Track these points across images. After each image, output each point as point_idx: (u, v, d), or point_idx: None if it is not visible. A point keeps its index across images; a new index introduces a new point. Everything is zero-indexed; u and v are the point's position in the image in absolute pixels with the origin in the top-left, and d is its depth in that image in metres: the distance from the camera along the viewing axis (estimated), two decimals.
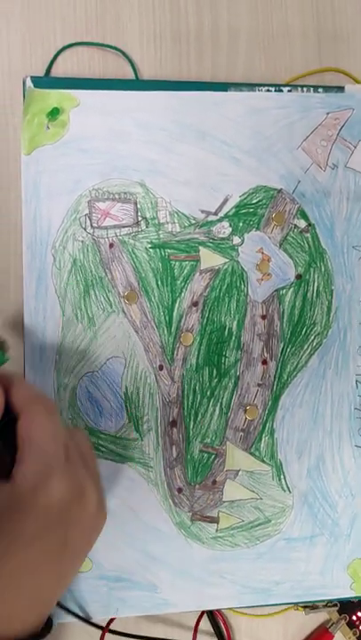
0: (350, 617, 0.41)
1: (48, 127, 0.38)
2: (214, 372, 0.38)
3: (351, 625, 0.41)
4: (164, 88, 0.38)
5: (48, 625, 0.28)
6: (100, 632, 0.37)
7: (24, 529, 0.26)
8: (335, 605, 0.41)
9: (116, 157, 0.38)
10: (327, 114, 0.39)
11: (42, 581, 0.27)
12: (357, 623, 0.41)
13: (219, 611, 0.40)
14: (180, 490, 0.38)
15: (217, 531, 0.38)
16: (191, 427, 0.38)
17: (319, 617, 0.42)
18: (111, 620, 0.38)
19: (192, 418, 0.38)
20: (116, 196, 0.38)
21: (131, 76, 0.41)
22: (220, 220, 0.38)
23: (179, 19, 0.42)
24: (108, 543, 0.37)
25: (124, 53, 0.41)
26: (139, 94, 0.38)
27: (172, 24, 0.42)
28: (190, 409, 0.38)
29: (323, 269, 0.39)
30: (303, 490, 0.38)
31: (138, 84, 0.39)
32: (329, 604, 0.41)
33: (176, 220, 0.38)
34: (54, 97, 0.37)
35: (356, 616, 0.41)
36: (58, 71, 0.41)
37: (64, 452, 0.29)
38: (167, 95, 0.38)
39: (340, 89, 0.39)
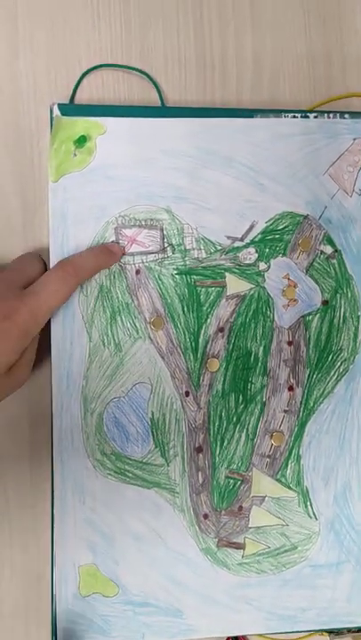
0: None
1: (75, 154, 0.38)
2: (240, 398, 0.38)
3: None
4: (189, 115, 0.38)
5: None
6: None
7: None
8: (360, 631, 0.41)
9: (142, 184, 0.38)
10: (354, 140, 0.39)
11: None
12: None
13: (244, 636, 0.40)
14: (206, 516, 0.38)
15: (243, 557, 0.38)
16: (217, 453, 0.38)
17: None
18: None
19: (218, 444, 0.38)
20: (143, 223, 0.38)
21: (156, 99, 0.41)
22: (246, 246, 0.38)
23: (203, 43, 0.42)
24: (134, 568, 0.37)
25: (149, 77, 0.41)
26: (164, 121, 0.38)
27: (196, 48, 0.42)
28: (216, 435, 0.38)
29: (349, 295, 0.39)
30: (330, 517, 0.38)
31: (164, 110, 0.40)
32: (354, 630, 0.41)
33: (202, 247, 0.38)
34: (81, 124, 0.38)
35: None
36: (83, 94, 0.41)
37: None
38: (193, 122, 0.38)
39: None
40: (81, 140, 0.38)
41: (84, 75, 0.41)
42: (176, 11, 0.42)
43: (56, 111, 0.38)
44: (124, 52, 0.42)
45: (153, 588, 0.37)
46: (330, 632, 0.40)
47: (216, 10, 0.42)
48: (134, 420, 0.37)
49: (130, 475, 0.37)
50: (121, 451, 0.37)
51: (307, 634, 0.40)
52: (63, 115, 0.37)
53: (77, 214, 0.38)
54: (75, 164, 0.38)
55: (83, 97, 0.41)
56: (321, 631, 0.39)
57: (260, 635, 0.39)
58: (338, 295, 0.39)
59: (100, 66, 0.41)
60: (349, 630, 0.41)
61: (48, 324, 0.37)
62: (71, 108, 0.38)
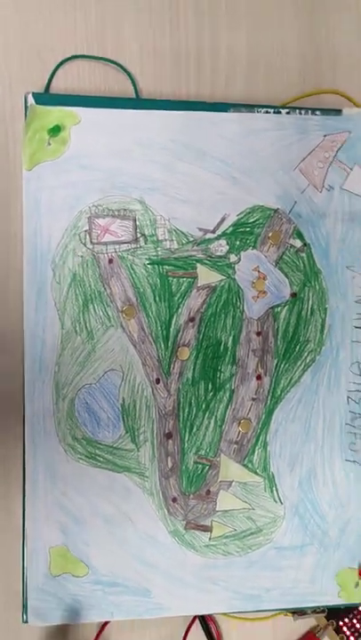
0: (337, 623, 0.43)
1: (49, 144, 0.38)
2: (210, 385, 0.39)
3: (338, 631, 0.43)
4: (165, 107, 0.39)
5: None
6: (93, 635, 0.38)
7: None
8: (323, 612, 0.42)
9: (116, 175, 0.38)
10: (324, 136, 0.40)
11: None
12: (344, 629, 0.43)
13: (210, 615, 0.41)
14: (174, 499, 0.39)
15: (210, 539, 0.39)
16: (186, 438, 0.39)
17: (307, 623, 0.43)
18: (105, 624, 0.39)
19: (187, 430, 0.39)
20: (116, 213, 0.38)
21: (131, 90, 0.42)
22: (217, 239, 0.39)
23: (178, 37, 0.42)
24: (104, 549, 0.38)
25: (124, 69, 0.42)
26: (140, 113, 0.39)
27: (171, 42, 0.42)
28: (186, 421, 0.39)
29: (317, 288, 0.40)
30: (294, 501, 0.40)
31: (138, 102, 0.40)
32: (317, 610, 0.42)
33: (174, 238, 0.39)
34: (55, 114, 0.38)
35: (343, 622, 0.43)
36: (59, 85, 0.42)
37: None
38: (168, 115, 0.39)
39: (338, 112, 0.40)
40: (55, 130, 0.38)
41: (59, 65, 0.41)
42: (150, 3, 0.43)
43: (30, 100, 0.38)
44: (100, 43, 0.42)
45: (122, 568, 0.38)
46: (294, 612, 0.42)
47: (192, 2, 0.43)
48: (105, 406, 0.38)
49: (100, 459, 0.38)
50: (92, 436, 0.38)
51: (271, 613, 0.41)
52: (38, 104, 0.38)
53: (51, 203, 0.38)
54: (49, 154, 0.38)
55: (58, 87, 0.41)
56: (286, 610, 0.41)
57: (226, 613, 0.41)
58: (306, 288, 0.40)
59: (75, 57, 0.41)
60: (313, 611, 0.42)
61: (22, 312, 0.38)
62: (46, 98, 0.39)
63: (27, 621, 0.37)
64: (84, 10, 0.42)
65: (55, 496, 0.38)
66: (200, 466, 0.39)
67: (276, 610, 0.40)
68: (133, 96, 0.41)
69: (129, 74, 0.42)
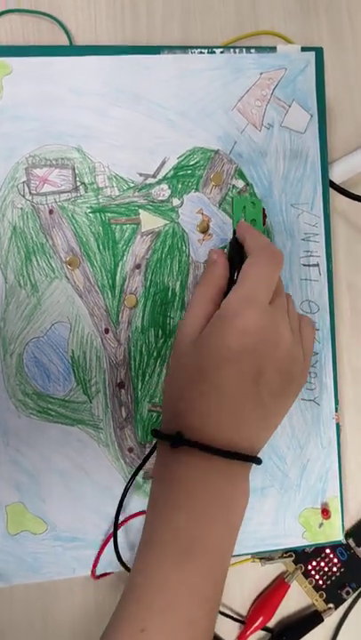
0: (306, 567, 0.43)
1: None
2: (160, 332, 0.39)
3: (307, 575, 0.43)
4: (97, 53, 0.38)
5: (258, 460, 0.31)
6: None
7: (225, 345, 0.30)
8: (291, 556, 0.42)
9: (51, 124, 0.38)
10: (260, 74, 0.39)
11: (242, 403, 0.30)
12: (313, 573, 0.43)
13: None
14: (130, 449, 0.38)
15: None
16: (139, 387, 0.38)
17: (276, 568, 0.43)
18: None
19: (140, 379, 0.38)
20: (54, 162, 0.38)
21: (66, 42, 0.41)
22: (158, 183, 0.39)
23: None
24: (61, 504, 0.37)
25: (57, 21, 0.41)
26: (71, 60, 0.38)
27: None
28: (138, 370, 0.38)
29: (263, 228, 0.39)
30: None
31: (71, 49, 0.39)
32: (285, 554, 0.42)
33: (115, 184, 0.38)
34: None
35: (312, 565, 0.43)
36: None
37: (270, 296, 0.32)
38: (100, 60, 0.38)
39: (273, 49, 0.39)
40: None
41: None
42: None
43: None
44: None
45: (81, 523, 0.38)
46: (261, 558, 0.41)
47: None
48: (55, 359, 0.38)
49: (53, 413, 0.38)
50: (43, 390, 0.38)
51: (238, 560, 0.41)
52: None
53: None
54: None
55: None
56: (252, 555, 0.41)
57: None
58: None
59: (6, 12, 0.41)
60: (281, 556, 0.42)
61: None
62: None
63: None
64: None
65: (8, 453, 0.37)
66: (155, 414, 0.39)
67: (241, 555, 0.40)
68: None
69: (62, 25, 0.41)
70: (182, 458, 0.30)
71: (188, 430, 0.30)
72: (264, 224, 0.37)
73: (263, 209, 0.37)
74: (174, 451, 0.30)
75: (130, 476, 0.37)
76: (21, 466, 0.37)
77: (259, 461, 0.31)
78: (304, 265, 0.40)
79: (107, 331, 0.38)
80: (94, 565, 0.38)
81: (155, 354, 0.39)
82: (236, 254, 0.34)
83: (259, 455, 0.31)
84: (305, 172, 0.40)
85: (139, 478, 0.38)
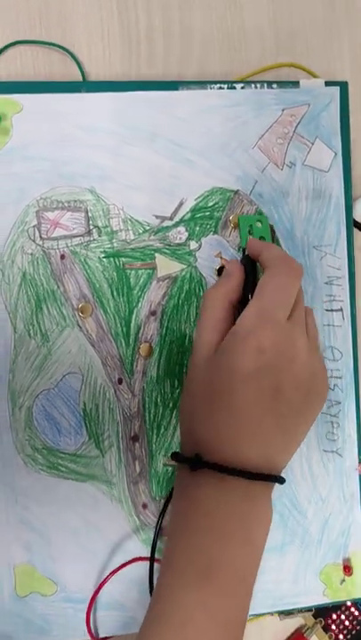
0: (325, 620, 0.41)
1: None
2: (176, 382, 0.37)
3: (326, 629, 0.41)
4: (110, 89, 0.36)
5: (280, 479, 0.30)
6: None
7: (239, 365, 0.29)
8: (310, 610, 0.41)
9: (63, 164, 0.36)
10: (282, 110, 0.37)
11: (261, 422, 0.29)
12: (333, 627, 0.41)
13: None
14: (145, 505, 0.37)
15: None
16: (154, 440, 0.37)
17: (295, 622, 0.41)
18: None
19: (155, 431, 0.37)
20: (66, 205, 0.36)
21: (78, 75, 0.39)
22: (175, 225, 0.37)
23: (128, 15, 0.40)
24: (72, 564, 0.36)
25: (70, 53, 0.39)
26: (84, 96, 0.36)
27: (121, 21, 0.40)
28: (152, 422, 0.37)
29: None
30: (273, 499, 0.38)
31: (84, 85, 0.37)
32: (303, 609, 0.40)
33: (130, 227, 0.36)
34: None
35: (331, 619, 0.41)
36: (0, 73, 0.39)
37: (288, 312, 0.31)
38: (113, 97, 0.36)
39: (295, 84, 0.38)
40: None
41: None
42: None
43: None
44: (43, 25, 0.39)
45: (93, 583, 0.36)
46: (280, 612, 0.40)
47: None
48: (66, 412, 0.36)
49: (63, 469, 0.36)
50: (53, 444, 0.36)
51: (255, 617, 0.39)
52: None
53: None
54: None
55: None
56: (271, 612, 0.39)
57: None
58: None
59: (17, 42, 0.39)
60: (300, 610, 0.40)
61: None
62: None
63: None
64: None
65: (17, 512, 0.35)
66: (170, 468, 0.37)
67: (259, 614, 0.38)
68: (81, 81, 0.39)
69: (75, 58, 0.39)
70: (201, 480, 0.30)
71: (206, 451, 0.29)
72: (273, 241, 0.36)
73: (271, 225, 0.35)
74: (193, 474, 0.29)
75: (154, 536, 0.36)
76: (31, 524, 0.35)
77: (281, 480, 0.30)
78: (327, 310, 0.38)
79: (120, 381, 0.36)
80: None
81: (170, 405, 0.37)
82: (248, 273, 0.33)
83: (283, 475, 0.31)
84: (328, 212, 0.38)
85: (152, 535, 0.37)
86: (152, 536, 0.36)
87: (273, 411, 0.29)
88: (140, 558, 0.36)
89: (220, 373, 0.30)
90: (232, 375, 0.29)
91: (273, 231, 0.36)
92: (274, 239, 0.37)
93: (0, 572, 0.35)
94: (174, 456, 0.31)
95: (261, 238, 0.36)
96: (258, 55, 0.40)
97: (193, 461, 0.29)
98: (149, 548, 0.36)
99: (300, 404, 0.30)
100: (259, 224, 0.36)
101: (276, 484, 0.31)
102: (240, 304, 0.33)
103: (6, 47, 0.39)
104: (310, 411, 0.31)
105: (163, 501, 0.36)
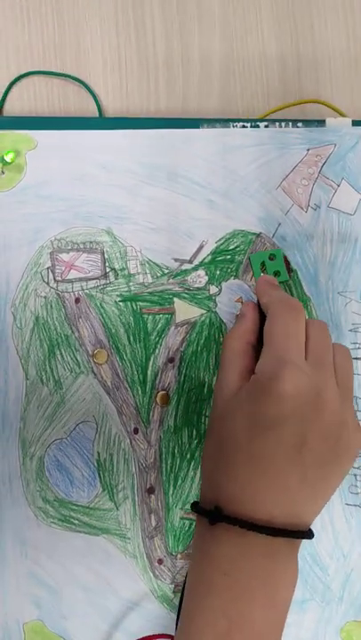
0: None
1: (3, 172, 0.34)
2: (194, 432, 0.35)
3: None
4: (129, 126, 0.35)
5: (305, 534, 0.29)
6: None
7: (261, 414, 0.28)
8: None
9: (79, 204, 0.34)
10: (307, 150, 0.36)
11: (285, 475, 0.28)
12: None
13: None
14: (160, 561, 0.35)
15: None
16: (171, 493, 0.35)
17: None
18: None
19: (171, 483, 0.35)
20: (81, 246, 0.35)
21: (93, 108, 0.38)
22: (195, 269, 0.35)
23: (146, 46, 0.39)
24: (84, 621, 0.34)
25: (85, 85, 0.38)
26: (102, 133, 0.35)
27: (138, 52, 0.39)
28: (169, 474, 0.35)
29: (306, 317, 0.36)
30: None
31: (101, 122, 0.36)
32: None
33: (148, 271, 0.35)
34: (9, 139, 0.34)
35: None
36: (13, 105, 0.38)
37: (302, 350, 0.30)
38: (133, 134, 0.35)
39: (321, 122, 0.36)
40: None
41: (12, 83, 0.37)
42: (115, 9, 0.39)
43: None
44: (58, 56, 0.38)
45: None
46: None
47: (159, 7, 0.39)
48: (79, 463, 0.34)
49: (76, 522, 0.34)
50: (65, 496, 0.34)
51: None
52: None
53: (8, 238, 0.34)
54: (3, 184, 0.34)
55: (12, 107, 0.37)
56: None
57: None
58: None
59: (31, 73, 0.37)
60: None
61: None
62: None
63: None
64: (39, 21, 0.38)
65: (27, 566, 0.34)
66: (187, 522, 0.35)
67: None
68: (97, 114, 0.37)
69: (91, 91, 0.38)
70: (220, 535, 0.28)
71: (227, 504, 0.28)
72: (289, 272, 0.35)
73: (285, 256, 0.34)
74: (212, 528, 0.28)
75: (179, 604, 0.34)
76: (41, 579, 0.34)
77: (308, 536, 0.29)
78: (353, 359, 0.37)
79: (136, 431, 0.35)
80: None
81: (188, 456, 0.35)
82: (263, 316, 0.32)
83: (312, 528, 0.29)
84: (354, 256, 0.36)
85: (168, 592, 0.35)
86: (168, 593, 0.35)
87: (298, 464, 0.28)
88: (165, 635, 0.34)
89: (240, 421, 0.29)
90: (253, 422, 0.28)
91: (288, 263, 0.35)
92: (290, 271, 0.35)
93: (9, 628, 0.34)
94: (193, 506, 0.30)
95: (276, 273, 0.35)
96: (280, 87, 0.39)
97: (212, 514, 0.28)
98: (165, 605, 0.35)
99: (328, 456, 0.28)
100: (272, 258, 0.34)
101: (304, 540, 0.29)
102: (260, 345, 0.31)
103: (19, 78, 0.37)
104: (339, 463, 0.30)
105: (180, 559, 0.35)
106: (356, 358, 0.37)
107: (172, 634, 0.34)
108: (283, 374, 0.28)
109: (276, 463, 0.28)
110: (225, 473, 0.29)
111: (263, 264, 0.35)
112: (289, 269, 0.35)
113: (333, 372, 0.30)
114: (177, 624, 0.32)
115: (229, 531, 0.28)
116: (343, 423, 0.29)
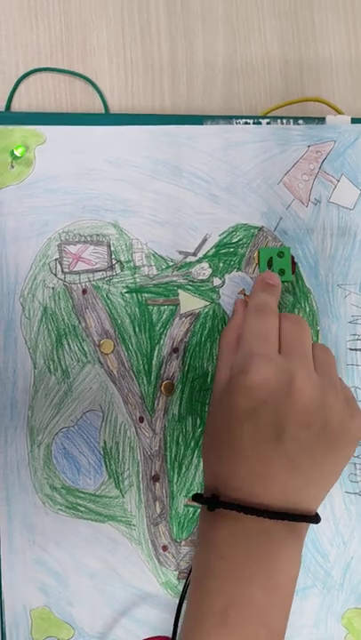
0: None
1: (12, 166, 0.35)
2: (198, 421, 0.36)
3: None
4: (135, 122, 0.36)
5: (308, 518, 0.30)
6: None
7: (235, 407, 0.29)
8: None
9: (86, 197, 0.35)
10: (308, 147, 0.37)
11: (270, 462, 0.29)
12: None
13: None
14: (165, 548, 0.36)
15: None
16: (175, 480, 0.36)
17: None
18: None
19: (176, 471, 0.36)
20: (88, 239, 0.35)
21: (100, 105, 0.39)
22: (199, 261, 0.36)
23: (151, 46, 0.40)
24: (90, 608, 0.35)
25: (92, 82, 0.39)
26: (109, 129, 0.36)
27: (143, 51, 0.40)
28: (174, 462, 0.36)
29: (307, 310, 0.37)
30: None
31: (107, 118, 0.37)
32: None
33: (153, 263, 0.36)
34: (18, 134, 0.35)
35: None
36: (21, 101, 0.39)
37: (271, 346, 0.31)
38: (139, 130, 0.36)
39: (321, 120, 0.37)
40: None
41: (20, 79, 0.38)
42: (121, 9, 0.40)
43: None
44: (65, 54, 0.39)
45: (111, 627, 0.35)
46: None
47: (164, 8, 0.40)
48: (85, 451, 0.35)
49: (82, 509, 0.35)
50: (72, 484, 0.35)
51: None
52: None
53: (17, 231, 0.35)
54: (12, 177, 0.35)
55: (20, 104, 0.38)
56: None
57: None
58: (296, 310, 0.37)
59: (38, 70, 0.38)
60: None
61: None
62: (7, 117, 0.36)
63: None
64: (47, 19, 0.39)
65: (34, 552, 0.34)
66: (191, 509, 0.36)
67: None
68: (102, 111, 0.38)
69: (97, 88, 0.39)
70: (218, 521, 0.29)
71: (224, 491, 0.29)
72: (293, 272, 0.36)
73: (292, 256, 0.35)
74: (211, 514, 0.29)
75: (181, 593, 0.35)
76: (48, 566, 0.34)
77: (308, 520, 0.29)
78: (351, 349, 0.37)
79: (141, 419, 0.36)
80: None
81: (192, 444, 0.36)
82: None
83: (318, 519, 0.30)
84: (353, 250, 0.37)
85: (173, 579, 0.36)
86: (172, 579, 0.35)
87: (279, 450, 0.29)
88: (164, 637, 0.35)
89: (219, 414, 0.30)
90: (229, 414, 0.29)
91: (294, 264, 0.36)
92: (294, 271, 0.36)
93: (16, 615, 0.34)
94: (195, 496, 0.31)
95: (281, 271, 0.36)
96: (282, 86, 0.40)
97: (210, 501, 0.29)
98: (169, 592, 0.35)
99: (315, 443, 0.29)
100: (280, 255, 0.35)
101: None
102: None
103: (27, 74, 0.38)
104: (334, 450, 0.30)
105: (185, 545, 0.36)
106: (356, 349, 0.38)
107: (175, 625, 0.34)
108: (249, 367, 0.29)
109: (258, 452, 0.29)
110: (219, 461, 0.30)
111: (270, 260, 0.36)
112: (294, 270, 0.36)
113: (310, 361, 0.31)
114: (178, 611, 0.33)
115: (226, 516, 0.29)
116: (326, 408, 0.29)
